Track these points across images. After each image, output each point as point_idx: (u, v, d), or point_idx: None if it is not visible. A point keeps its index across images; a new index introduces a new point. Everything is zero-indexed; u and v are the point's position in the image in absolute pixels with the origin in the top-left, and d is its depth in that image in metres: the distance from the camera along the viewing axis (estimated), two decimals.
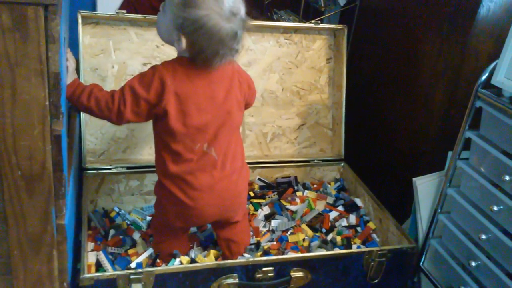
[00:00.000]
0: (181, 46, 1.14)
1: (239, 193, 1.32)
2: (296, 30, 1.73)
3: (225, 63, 1.18)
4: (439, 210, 1.38)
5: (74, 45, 1.46)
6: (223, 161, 1.25)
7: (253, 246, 1.44)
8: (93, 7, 2.03)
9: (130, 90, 1.17)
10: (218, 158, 1.24)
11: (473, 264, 1.25)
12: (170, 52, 1.60)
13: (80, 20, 1.47)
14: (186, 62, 1.17)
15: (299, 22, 1.98)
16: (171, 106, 1.16)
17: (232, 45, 1.14)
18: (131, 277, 1.17)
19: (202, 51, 1.13)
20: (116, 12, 1.50)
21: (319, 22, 1.76)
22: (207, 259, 1.38)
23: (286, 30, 1.72)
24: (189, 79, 1.17)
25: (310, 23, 1.75)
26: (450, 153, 1.39)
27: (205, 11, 1.09)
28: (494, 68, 1.20)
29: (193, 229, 1.51)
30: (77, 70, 1.51)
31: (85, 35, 1.51)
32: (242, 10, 1.14)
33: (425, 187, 1.47)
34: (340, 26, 1.75)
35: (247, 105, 1.36)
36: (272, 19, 2.11)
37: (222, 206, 1.28)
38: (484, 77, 1.23)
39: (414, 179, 1.49)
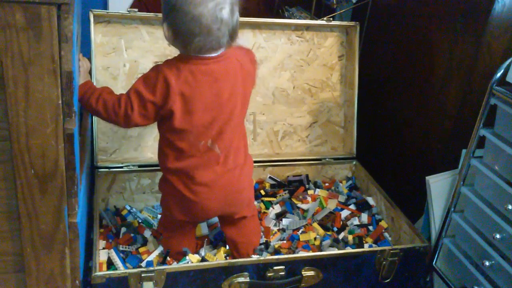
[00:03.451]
0: (169, 36, 1.14)
1: (242, 188, 1.31)
2: (307, 28, 1.72)
3: (228, 58, 1.17)
4: (453, 209, 1.37)
5: (86, 44, 1.47)
6: (226, 156, 1.25)
7: (262, 246, 1.44)
8: (105, 6, 2.04)
9: (136, 94, 1.16)
10: (221, 153, 1.24)
11: (487, 263, 1.23)
12: None
13: (92, 19, 1.48)
14: (187, 58, 1.16)
15: (310, 19, 1.97)
16: (177, 107, 1.16)
17: (220, 28, 1.11)
18: (143, 275, 1.17)
19: (189, 37, 1.11)
20: (128, 11, 1.51)
21: (331, 19, 1.75)
22: (217, 257, 1.38)
23: (297, 27, 1.71)
24: (193, 77, 1.16)
25: (322, 20, 1.74)
26: (463, 151, 1.38)
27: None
28: (509, 65, 1.18)
29: (204, 231, 1.50)
30: (90, 70, 1.52)
31: (97, 34, 1.51)
32: None
33: (438, 185, 1.45)
34: (352, 23, 1.74)
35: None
36: (284, 16, 2.10)
37: (225, 201, 1.28)
38: (499, 74, 1.21)
39: (427, 177, 1.47)
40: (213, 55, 1.16)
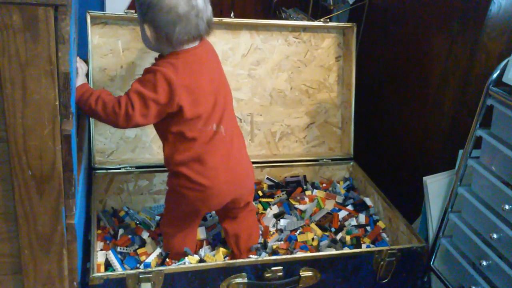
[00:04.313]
0: (151, 37, 1.18)
1: (248, 168, 1.37)
2: (305, 29, 1.73)
3: (204, 42, 1.23)
4: (450, 209, 1.37)
5: (83, 45, 1.47)
6: (231, 138, 1.29)
7: (259, 246, 1.44)
8: (102, 7, 2.04)
9: (137, 94, 1.17)
10: (226, 134, 1.27)
11: (484, 263, 1.23)
12: None
13: (89, 20, 1.48)
14: (176, 54, 1.19)
15: (307, 20, 1.97)
16: (184, 100, 1.18)
17: (198, 15, 1.16)
18: (141, 276, 1.17)
19: (170, 28, 1.15)
20: (125, 12, 1.51)
21: (328, 20, 1.75)
22: (216, 257, 1.38)
23: (294, 28, 1.72)
24: (189, 68, 1.19)
25: (319, 21, 1.74)
26: (460, 151, 1.38)
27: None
28: (505, 66, 1.18)
29: (202, 236, 1.50)
30: (87, 72, 1.52)
31: (94, 35, 1.51)
32: None
33: (435, 186, 1.46)
34: (349, 24, 1.74)
35: None
36: (281, 18, 2.10)
37: (237, 182, 1.31)
38: (495, 75, 1.21)
39: (424, 178, 1.48)
40: (196, 44, 1.21)
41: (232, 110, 1.34)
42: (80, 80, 1.23)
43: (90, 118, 1.52)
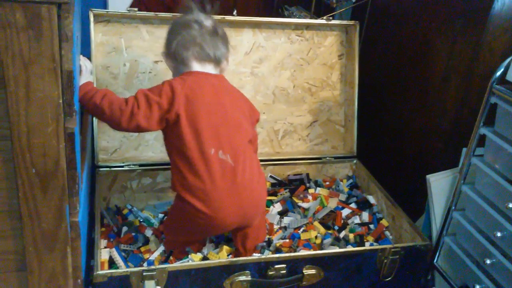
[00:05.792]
0: (171, 63, 1.31)
1: (257, 196, 1.32)
2: (307, 27, 1.73)
3: (231, 88, 1.32)
4: (453, 207, 1.37)
5: (86, 43, 1.47)
6: (243, 169, 1.26)
7: (264, 244, 1.44)
8: (105, 5, 2.04)
9: (143, 95, 1.21)
10: (235, 165, 1.24)
11: (488, 261, 1.23)
12: None
13: (92, 18, 1.48)
14: (190, 72, 1.28)
15: (310, 18, 1.97)
16: (182, 109, 1.21)
17: (207, 41, 1.26)
18: (144, 274, 1.17)
19: (184, 50, 1.26)
20: (128, 10, 1.51)
21: (331, 18, 1.75)
22: (220, 255, 1.38)
23: (297, 26, 1.72)
24: (197, 84, 1.25)
25: (322, 19, 1.74)
26: (464, 149, 1.38)
27: (176, 33, 1.29)
28: (509, 64, 1.18)
29: None
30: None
31: (97, 33, 1.51)
32: (206, 20, 1.29)
33: (439, 184, 1.45)
34: (352, 22, 1.74)
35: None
36: (283, 16, 2.10)
37: (243, 213, 1.28)
38: (499, 73, 1.21)
39: (427, 176, 1.47)
40: (212, 72, 1.29)
41: (248, 147, 1.31)
42: (84, 78, 1.24)
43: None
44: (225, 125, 1.25)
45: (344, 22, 1.77)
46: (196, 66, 1.28)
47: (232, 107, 1.29)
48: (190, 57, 1.27)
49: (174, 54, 1.28)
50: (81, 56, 1.27)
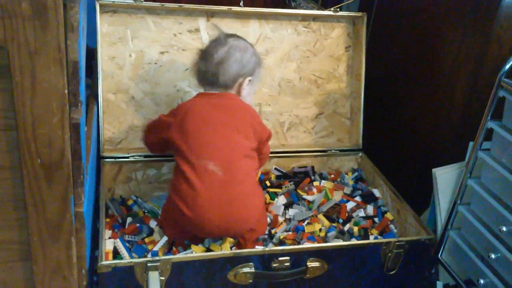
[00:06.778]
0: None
1: (245, 219, 1.33)
2: (314, 18, 1.71)
3: (237, 106, 1.36)
4: (459, 202, 1.37)
5: (92, 34, 1.47)
6: (235, 183, 1.28)
7: (266, 236, 1.44)
8: None
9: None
10: (226, 178, 1.28)
11: (493, 256, 1.23)
12: (187, 41, 1.60)
13: (98, 9, 1.47)
14: (198, 94, 1.42)
15: (317, 9, 1.95)
16: (175, 119, 1.33)
17: (211, 68, 1.35)
18: (149, 264, 1.17)
19: (196, 79, 1.42)
20: (134, 0, 1.50)
21: (338, 9, 1.73)
22: (222, 247, 1.38)
23: (304, 17, 1.70)
24: (199, 98, 1.38)
25: (329, 10, 1.72)
26: (471, 143, 1.37)
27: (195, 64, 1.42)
28: None
29: None
30: (95, 58, 1.52)
31: (103, 23, 1.51)
32: (221, 48, 1.36)
33: (444, 178, 1.45)
34: (359, 14, 1.72)
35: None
36: (290, 7, 2.09)
37: (226, 229, 1.31)
38: (507, 66, 1.20)
39: (433, 169, 1.47)
40: (216, 92, 1.37)
41: (242, 161, 1.33)
42: None
43: (99, 107, 1.52)
44: (217, 139, 1.30)
45: (352, 13, 1.75)
46: (204, 88, 1.41)
47: (225, 122, 1.33)
48: (199, 83, 1.42)
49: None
50: None
